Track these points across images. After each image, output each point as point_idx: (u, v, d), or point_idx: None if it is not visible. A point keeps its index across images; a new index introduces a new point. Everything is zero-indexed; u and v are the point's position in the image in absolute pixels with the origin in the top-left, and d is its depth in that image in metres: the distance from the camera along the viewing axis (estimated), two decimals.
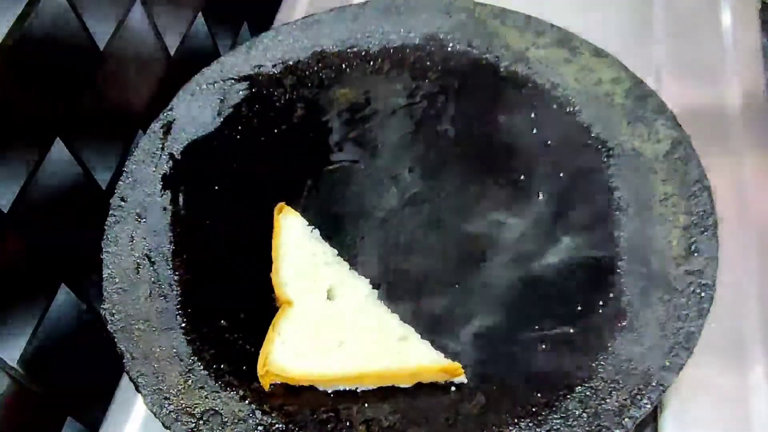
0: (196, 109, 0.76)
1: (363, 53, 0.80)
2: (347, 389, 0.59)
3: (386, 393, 0.59)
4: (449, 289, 0.64)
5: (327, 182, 0.72)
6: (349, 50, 0.80)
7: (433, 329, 0.61)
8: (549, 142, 0.71)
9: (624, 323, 0.60)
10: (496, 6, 0.79)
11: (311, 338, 0.60)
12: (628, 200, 0.66)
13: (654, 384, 0.56)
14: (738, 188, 0.72)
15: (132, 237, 0.67)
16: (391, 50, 0.79)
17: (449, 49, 0.79)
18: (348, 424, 0.58)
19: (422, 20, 0.81)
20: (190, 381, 0.60)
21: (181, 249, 0.68)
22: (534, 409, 0.57)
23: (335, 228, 0.68)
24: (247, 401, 0.59)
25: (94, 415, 0.68)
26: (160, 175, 0.72)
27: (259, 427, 0.58)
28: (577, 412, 0.56)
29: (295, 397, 0.59)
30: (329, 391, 0.59)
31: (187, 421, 0.57)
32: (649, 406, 0.55)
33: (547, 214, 0.67)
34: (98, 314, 0.64)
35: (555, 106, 0.73)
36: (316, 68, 0.79)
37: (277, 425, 0.58)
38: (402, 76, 0.78)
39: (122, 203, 0.69)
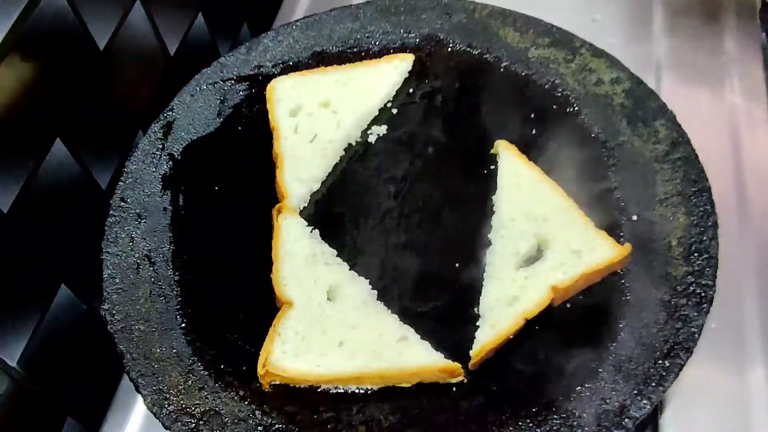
0: (196, 109, 0.76)
1: (363, 53, 0.80)
2: (347, 389, 0.59)
3: (386, 393, 0.59)
4: (449, 289, 0.64)
5: (327, 182, 0.72)
6: (349, 50, 0.80)
7: (432, 329, 0.61)
8: (549, 142, 0.71)
9: (624, 323, 0.60)
10: (496, 6, 0.80)
11: (311, 338, 0.60)
12: (628, 200, 0.67)
13: (654, 384, 0.56)
14: (738, 188, 0.72)
15: (132, 237, 0.68)
16: (391, 50, 0.80)
17: (449, 49, 0.79)
18: (348, 424, 0.58)
19: (422, 20, 0.81)
20: (190, 381, 0.60)
21: (181, 249, 0.68)
22: (534, 409, 0.57)
23: (335, 228, 0.68)
24: (247, 401, 0.59)
25: (94, 415, 0.68)
26: (160, 175, 0.72)
27: (259, 428, 0.58)
28: (577, 413, 0.56)
29: (295, 398, 0.59)
30: (329, 392, 0.59)
31: (187, 421, 0.57)
32: (649, 406, 0.55)
33: None
34: (98, 314, 0.64)
35: (555, 106, 0.73)
36: (316, 68, 0.79)
37: (277, 425, 0.58)
38: None
39: (122, 203, 0.69)
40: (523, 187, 0.67)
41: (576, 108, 0.73)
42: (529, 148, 0.70)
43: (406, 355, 0.59)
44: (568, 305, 0.62)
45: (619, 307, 0.61)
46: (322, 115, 0.74)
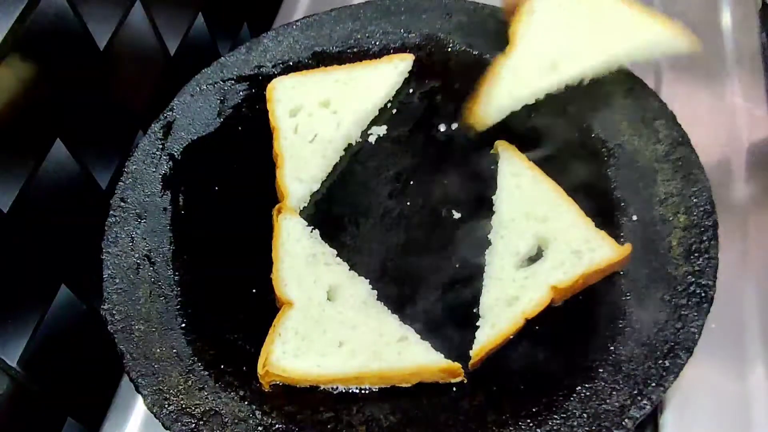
0: (196, 109, 0.76)
1: (363, 53, 0.80)
2: (347, 389, 0.59)
3: (386, 393, 0.59)
4: (449, 289, 0.64)
5: (327, 182, 0.72)
6: (349, 50, 0.80)
7: (432, 329, 0.61)
8: (549, 143, 0.71)
9: (624, 323, 0.60)
10: (496, 6, 0.79)
11: (311, 338, 0.60)
12: (628, 200, 0.67)
13: (654, 384, 0.56)
14: (738, 188, 0.72)
15: (132, 237, 0.68)
16: (391, 50, 0.80)
17: (449, 49, 0.79)
18: (348, 424, 0.58)
19: (422, 20, 0.81)
20: (190, 381, 0.60)
21: (181, 249, 0.68)
22: (534, 409, 0.57)
23: (335, 228, 0.68)
24: (247, 402, 0.59)
25: (94, 415, 0.68)
26: (160, 176, 0.72)
27: (259, 428, 0.58)
28: (577, 413, 0.56)
29: (295, 398, 0.59)
30: (329, 391, 0.59)
31: (187, 422, 0.57)
32: (649, 406, 0.55)
33: None
34: (98, 314, 0.64)
35: (555, 107, 0.73)
36: (316, 68, 0.79)
37: (277, 425, 0.58)
38: None
39: (122, 203, 0.69)
40: (523, 187, 0.67)
41: (576, 108, 0.73)
42: (529, 148, 0.70)
43: (406, 355, 0.59)
44: (568, 305, 0.62)
45: (619, 307, 0.61)
46: (322, 115, 0.74)
